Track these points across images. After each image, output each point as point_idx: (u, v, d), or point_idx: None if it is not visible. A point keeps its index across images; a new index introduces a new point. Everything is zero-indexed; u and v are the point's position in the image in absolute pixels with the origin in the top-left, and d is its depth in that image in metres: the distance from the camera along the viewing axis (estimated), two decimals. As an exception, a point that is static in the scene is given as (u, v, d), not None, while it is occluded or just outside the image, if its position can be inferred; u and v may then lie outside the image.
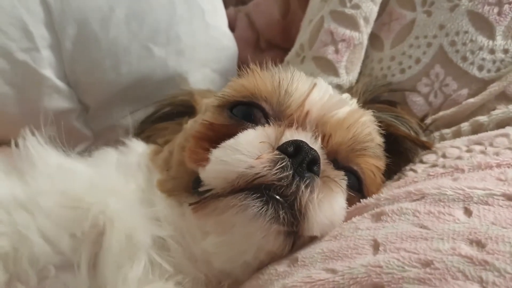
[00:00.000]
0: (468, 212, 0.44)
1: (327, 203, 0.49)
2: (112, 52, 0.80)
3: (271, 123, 0.53)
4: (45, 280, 0.50)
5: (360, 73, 0.78)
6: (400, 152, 0.64)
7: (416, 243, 0.41)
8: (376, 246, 0.42)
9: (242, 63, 0.61)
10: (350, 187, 0.54)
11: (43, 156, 0.57)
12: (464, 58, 0.70)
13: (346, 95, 0.64)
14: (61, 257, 0.51)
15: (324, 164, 0.50)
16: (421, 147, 0.64)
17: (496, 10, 0.69)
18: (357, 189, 0.56)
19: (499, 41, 0.69)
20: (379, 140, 0.59)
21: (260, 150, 0.48)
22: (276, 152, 0.48)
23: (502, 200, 0.44)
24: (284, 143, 0.49)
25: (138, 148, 0.66)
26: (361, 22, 0.76)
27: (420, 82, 0.73)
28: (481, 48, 0.69)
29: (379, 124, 0.60)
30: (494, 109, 0.66)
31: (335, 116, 0.55)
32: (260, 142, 0.49)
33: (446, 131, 0.68)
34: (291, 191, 0.47)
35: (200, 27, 0.87)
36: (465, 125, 0.66)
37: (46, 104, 0.80)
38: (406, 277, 0.37)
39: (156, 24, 0.82)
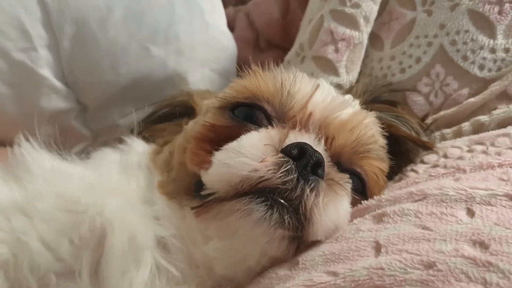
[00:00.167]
0: (470, 212, 0.44)
1: (333, 207, 0.48)
2: (111, 52, 0.80)
3: (274, 125, 0.52)
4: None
5: (360, 73, 0.78)
6: (401, 152, 0.63)
7: (419, 244, 0.40)
8: (378, 248, 0.42)
9: (242, 63, 0.61)
10: (353, 189, 0.53)
11: (38, 161, 0.56)
12: (465, 58, 0.69)
13: (348, 96, 0.64)
14: (61, 264, 0.49)
15: (328, 167, 0.50)
16: (422, 147, 0.63)
17: (496, 9, 0.69)
18: (361, 192, 0.55)
19: (500, 40, 0.68)
20: (382, 142, 0.59)
21: (264, 153, 0.47)
22: (281, 155, 0.47)
23: (505, 200, 0.44)
24: (288, 146, 0.48)
25: (139, 147, 0.64)
26: (361, 21, 0.76)
27: (421, 82, 0.72)
28: (482, 47, 0.69)
29: (380, 124, 0.60)
30: (495, 109, 0.66)
31: (338, 118, 0.55)
32: (264, 145, 0.48)
33: (446, 131, 0.67)
34: (296, 195, 0.46)
35: (200, 26, 0.86)
36: (466, 125, 0.66)
37: (44, 104, 0.80)
38: (409, 279, 0.37)
39: (155, 24, 0.82)
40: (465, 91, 0.69)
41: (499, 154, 0.55)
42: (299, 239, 0.48)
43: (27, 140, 0.56)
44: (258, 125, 0.54)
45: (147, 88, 0.83)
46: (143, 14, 0.81)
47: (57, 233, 0.50)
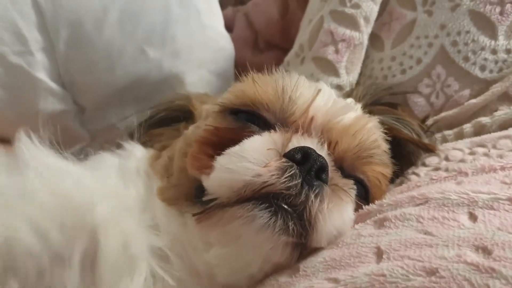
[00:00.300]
0: (473, 217, 0.43)
1: (337, 213, 0.47)
2: (107, 54, 0.79)
3: (277, 129, 0.51)
4: (42, 276, 0.48)
5: (361, 74, 0.77)
6: (403, 155, 0.63)
7: (421, 250, 0.40)
8: (379, 254, 0.41)
9: (240, 64, 0.60)
10: (356, 195, 0.52)
11: (37, 156, 0.55)
12: (466, 58, 0.69)
13: (350, 100, 0.63)
14: (52, 251, 0.48)
15: (332, 172, 0.49)
16: (424, 150, 0.63)
17: (498, 9, 0.68)
18: (363, 198, 0.54)
19: (501, 41, 0.68)
20: (385, 146, 0.58)
21: (267, 158, 0.46)
22: (284, 159, 0.46)
23: (508, 204, 0.43)
24: (291, 150, 0.47)
25: (137, 152, 0.63)
26: (362, 21, 0.75)
27: (421, 83, 0.72)
28: (483, 48, 0.68)
29: (382, 127, 0.59)
30: (496, 110, 0.65)
31: (341, 122, 0.54)
32: (267, 149, 0.47)
33: (448, 132, 0.67)
34: (300, 200, 0.45)
35: (196, 28, 0.86)
36: (467, 127, 0.65)
37: (41, 106, 0.79)
38: (411, 286, 0.36)
39: (151, 25, 0.81)
40: (466, 92, 0.68)
41: (501, 156, 0.54)
42: (303, 246, 0.47)
43: (28, 135, 0.56)
44: (262, 128, 0.53)
45: (144, 90, 0.83)
46: (139, 16, 0.81)
47: (48, 220, 0.49)
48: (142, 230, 0.52)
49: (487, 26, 0.69)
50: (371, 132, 0.56)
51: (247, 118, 0.54)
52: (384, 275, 0.38)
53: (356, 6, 0.75)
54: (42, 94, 0.79)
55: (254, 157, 0.46)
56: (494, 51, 0.68)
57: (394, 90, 0.72)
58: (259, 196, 0.45)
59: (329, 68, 0.76)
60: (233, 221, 0.45)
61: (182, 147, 0.57)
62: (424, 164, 0.60)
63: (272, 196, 0.45)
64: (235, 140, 0.50)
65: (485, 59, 0.68)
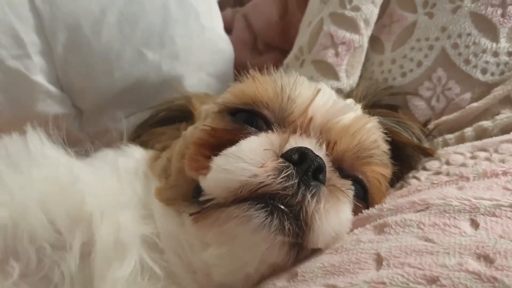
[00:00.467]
0: (474, 224, 0.42)
1: (334, 214, 0.47)
2: (105, 57, 0.79)
3: (274, 129, 0.52)
4: (43, 260, 0.49)
5: (361, 77, 0.76)
6: (403, 158, 0.62)
7: (421, 257, 0.39)
8: (379, 261, 0.41)
9: (239, 65, 0.60)
10: (355, 196, 0.52)
11: (42, 149, 0.57)
12: (467, 61, 0.68)
13: (350, 101, 0.63)
14: (57, 236, 0.50)
15: (329, 172, 0.49)
16: (423, 154, 0.62)
17: (499, 11, 0.68)
18: (362, 198, 0.54)
19: (503, 43, 0.67)
20: (385, 147, 0.58)
21: (263, 158, 0.47)
22: (281, 160, 0.46)
23: (510, 211, 0.43)
24: (288, 151, 0.47)
25: (136, 153, 0.64)
26: (361, 24, 0.74)
27: (422, 86, 0.71)
28: (484, 51, 0.67)
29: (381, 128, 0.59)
30: (498, 114, 0.64)
31: (340, 123, 0.54)
32: (264, 150, 0.47)
33: (449, 136, 0.66)
34: (296, 200, 0.45)
35: (195, 30, 0.85)
36: (468, 130, 0.65)
37: (40, 109, 0.79)
38: (411, 295, 0.36)
39: (150, 28, 0.81)
40: (468, 95, 0.68)
41: (503, 161, 0.54)
42: (299, 246, 0.47)
43: (34, 129, 0.58)
44: (259, 129, 0.53)
45: (143, 92, 0.82)
46: (137, 18, 0.80)
47: (55, 207, 0.51)
48: (135, 221, 0.53)
49: (489, 29, 0.68)
50: (370, 132, 0.56)
51: (246, 120, 0.54)
52: (384, 283, 0.37)
53: (356, 8, 0.75)
54: (41, 97, 0.78)
55: (251, 158, 0.47)
56: (495, 54, 0.67)
57: (394, 90, 0.72)
58: (256, 196, 0.46)
59: (329, 71, 0.75)
60: (229, 221, 0.46)
61: (181, 149, 0.57)
62: (424, 168, 0.60)
63: (269, 196, 0.46)
64: (232, 141, 0.50)
65: (487, 62, 0.67)
